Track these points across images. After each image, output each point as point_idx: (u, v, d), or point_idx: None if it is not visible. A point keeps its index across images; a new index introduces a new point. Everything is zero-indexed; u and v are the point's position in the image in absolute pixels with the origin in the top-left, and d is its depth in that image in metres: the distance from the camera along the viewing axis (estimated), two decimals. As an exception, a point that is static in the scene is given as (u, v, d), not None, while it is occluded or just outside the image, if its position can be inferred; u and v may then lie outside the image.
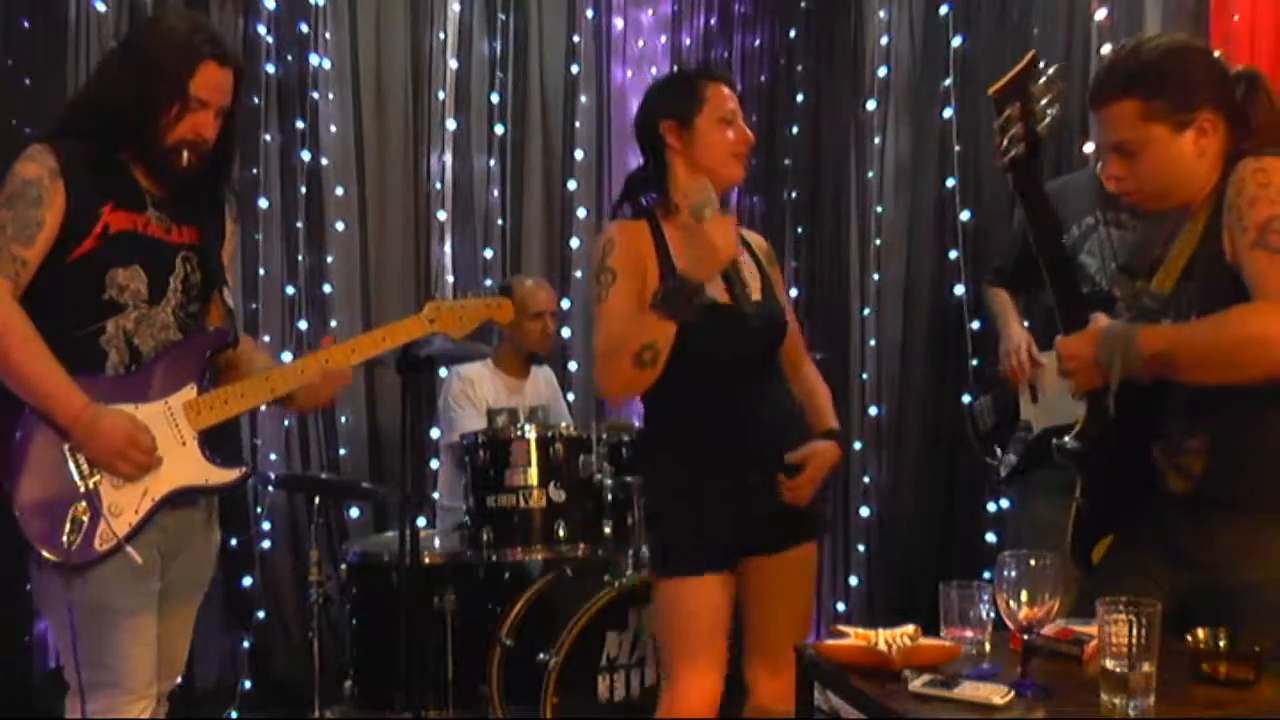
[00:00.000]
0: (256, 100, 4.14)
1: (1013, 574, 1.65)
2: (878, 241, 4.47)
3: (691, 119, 2.32)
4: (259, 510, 4.08)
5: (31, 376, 2.01)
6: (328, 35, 4.35)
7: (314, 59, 4.28)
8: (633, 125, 2.45)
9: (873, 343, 4.48)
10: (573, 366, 4.70)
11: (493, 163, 4.58)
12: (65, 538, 2.00)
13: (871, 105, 4.46)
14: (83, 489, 2.02)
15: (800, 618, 2.41)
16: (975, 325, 3.98)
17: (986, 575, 1.84)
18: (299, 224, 4.26)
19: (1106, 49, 3.48)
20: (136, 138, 2.12)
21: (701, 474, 2.31)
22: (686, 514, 2.30)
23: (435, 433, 4.10)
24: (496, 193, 4.58)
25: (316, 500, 3.57)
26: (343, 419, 4.30)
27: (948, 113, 4.11)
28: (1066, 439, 2.13)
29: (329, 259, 4.32)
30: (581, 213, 4.76)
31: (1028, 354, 3.00)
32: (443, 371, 3.96)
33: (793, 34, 4.74)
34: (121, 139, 2.13)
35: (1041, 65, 2.00)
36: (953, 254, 4.11)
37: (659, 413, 2.39)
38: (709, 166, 2.31)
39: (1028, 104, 1.97)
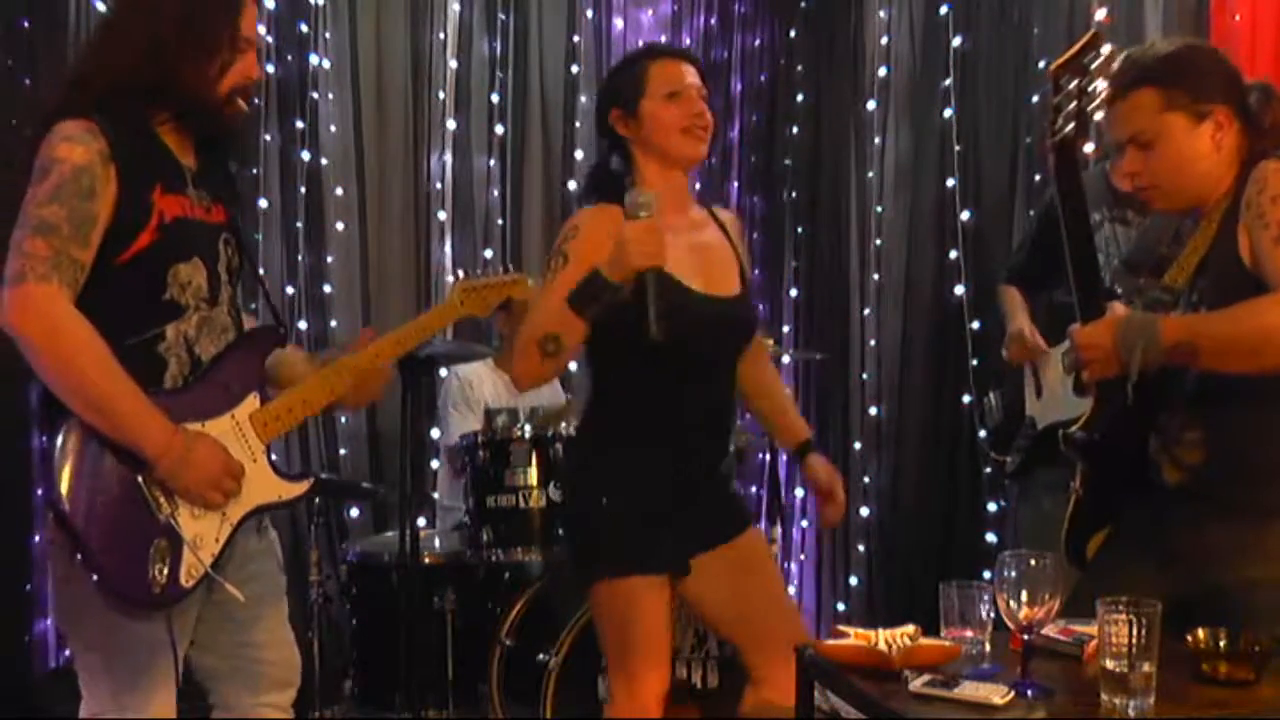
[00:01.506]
0: (256, 100, 4.13)
1: (1013, 574, 1.65)
2: (878, 241, 4.47)
3: (636, 103, 2.23)
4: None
5: (112, 401, 1.75)
6: (328, 35, 4.35)
7: (314, 59, 4.28)
8: None
9: (873, 343, 4.48)
10: (572, 366, 4.69)
11: (493, 163, 4.58)
12: (151, 576, 1.78)
13: (871, 105, 4.46)
14: (160, 522, 1.80)
15: (781, 597, 2.39)
16: (975, 325, 3.98)
17: (986, 575, 1.84)
18: (299, 224, 4.26)
19: (1107, 49, 3.48)
20: (187, 92, 1.88)
21: (646, 470, 2.22)
22: (630, 510, 2.20)
23: (435, 433, 4.10)
24: (496, 193, 4.58)
25: (316, 500, 3.57)
26: (343, 419, 4.30)
27: (948, 113, 4.12)
28: (1074, 429, 2.14)
29: (329, 259, 4.32)
30: (582, 213, 4.75)
31: (1030, 339, 3.01)
32: (443, 372, 3.96)
33: (793, 34, 4.75)
34: (167, 102, 1.88)
35: (1105, 47, 2.01)
36: (953, 254, 4.11)
37: (605, 410, 2.30)
38: (660, 148, 2.22)
39: (1083, 83, 1.97)
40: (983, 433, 3.35)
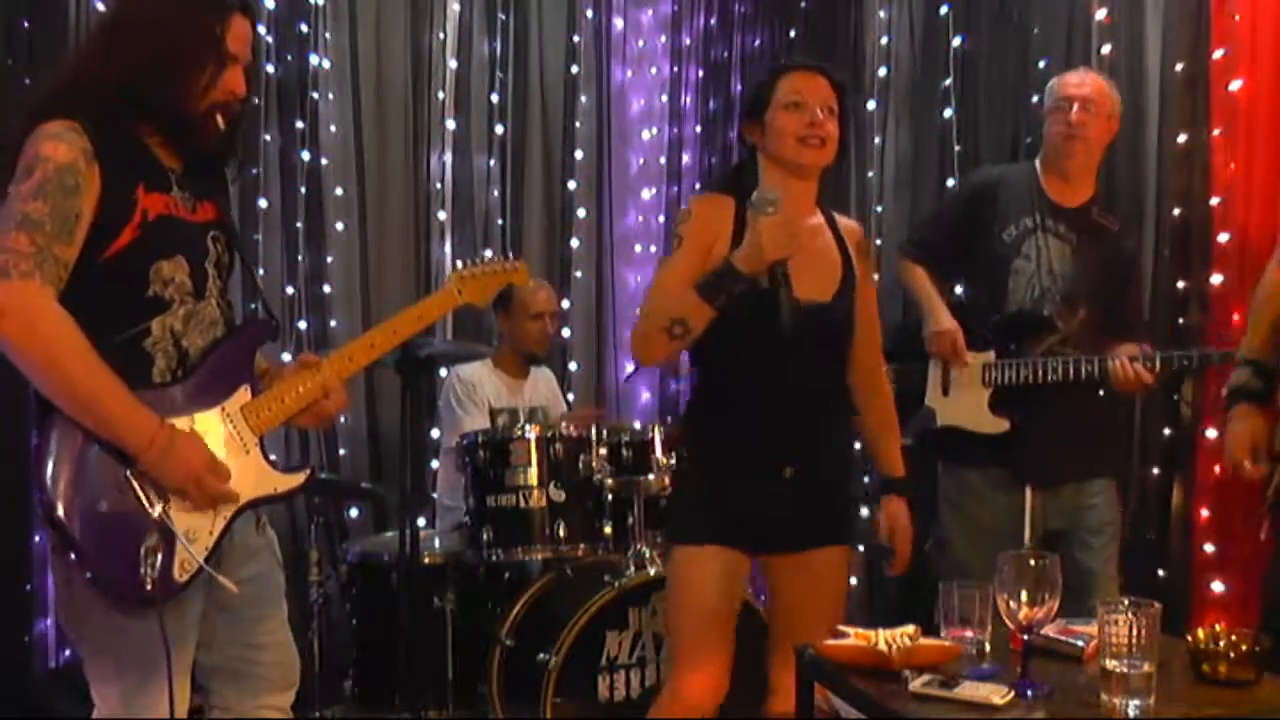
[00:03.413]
0: (256, 100, 4.13)
1: (1013, 574, 1.65)
2: (878, 241, 4.46)
3: (762, 113, 2.35)
4: (259, 510, 4.09)
5: (94, 396, 1.76)
6: (328, 35, 4.34)
7: (314, 59, 4.28)
8: None
9: (873, 343, 4.48)
10: (573, 366, 4.70)
11: (493, 163, 4.58)
12: (143, 572, 1.77)
13: (871, 105, 4.45)
14: (153, 517, 1.79)
15: (826, 622, 2.34)
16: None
17: (986, 575, 1.84)
18: (299, 224, 4.25)
19: (1107, 49, 3.48)
20: (168, 107, 1.88)
21: (726, 454, 2.33)
22: (701, 484, 2.35)
23: (435, 433, 4.10)
24: (496, 193, 4.58)
25: (316, 500, 3.57)
26: (343, 419, 4.30)
27: (948, 113, 4.11)
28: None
29: (329, 259, 4.32)
30: (581, 213, 4.76)
31: (961, 344, 2.98)
32: (442, 371, 3.96)
33: (793, 34, 4.74)
34: (148, 111, 1.89)
35: None
36: (953, 254, 4.10)
37: (702, 388, 2.44)
38: (780, 156, 2.32)
39: None
40: None
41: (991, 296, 3.01)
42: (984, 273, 3.04)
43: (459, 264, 2.28)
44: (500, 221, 4.58)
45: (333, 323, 4.32)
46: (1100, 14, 3.53)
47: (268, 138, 4.21)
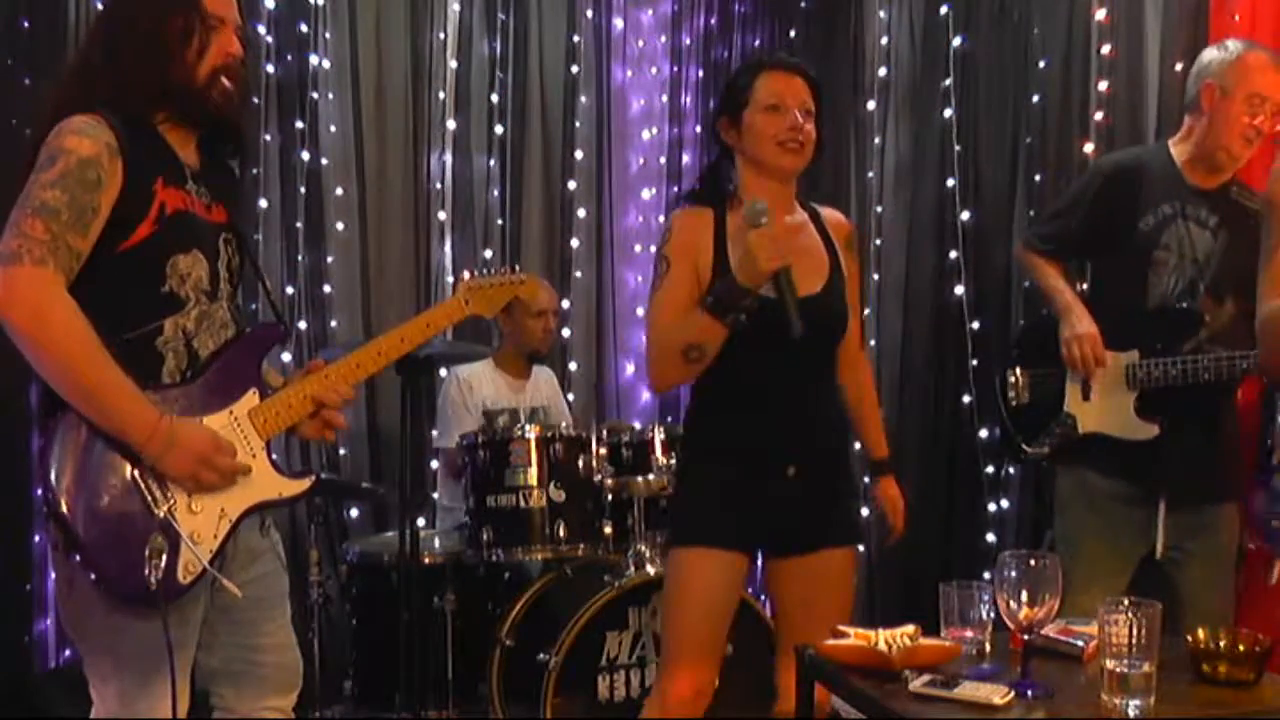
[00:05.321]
0: (256, 100, 4.13)
1: (1013, 574, 1.65)
2: (878, 241, 4.47)
3: (740, 113, 2.33)
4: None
5: (100, 389, 1.75)
6: (328, 35, 4.34)
7: (314, 59, 4.28)
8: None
9: (873, 343, 4.48)
10: (573, 366, 4.70)
11: (493, 163, 4.58)
12: (147, 573, 1.77)
13: (871, 105, 4.45)
14: (158, 517, 1.79)
15: (834, 624, 2.37)
16: (975, 325, 3.98)
17: (986, 575, 1.84)
18: (299, 224, 4.25)
19: (1107, 49, 3.49)
20: (172, 86, 1.90)
21: (728, 457, 2.33)
22: (703, 487, 2.35)
23: (435, 433, 4.10)
24: (496, 193, 4.58)
25: (316, 500, 3.57)
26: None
27: (948, 113, 4.11)
28: None
29: (329, 259, 4.32)
30: (581, 213, 4.76)
31: (1100, 347, 2.76)
32: (443, 372, 3.96)
33: (793, 34, 4.74)
34: (156, 96, 1.90)
35: None
36: (953, 254, 4.10)
37: (703, 391, 2.41)
38: (757, 158, 2.31)
39: None
40: (1001, 404, 3.04)
41: (1129, 291, 2.79)
42: (1120, 265, 2.82)
43: (466, 274, 2.27)
44: (500, 221, 4.58)
45: (333, 323, 4.32)
46: (1100, 14, 3.53)
47: (268, 138, 4.21)
